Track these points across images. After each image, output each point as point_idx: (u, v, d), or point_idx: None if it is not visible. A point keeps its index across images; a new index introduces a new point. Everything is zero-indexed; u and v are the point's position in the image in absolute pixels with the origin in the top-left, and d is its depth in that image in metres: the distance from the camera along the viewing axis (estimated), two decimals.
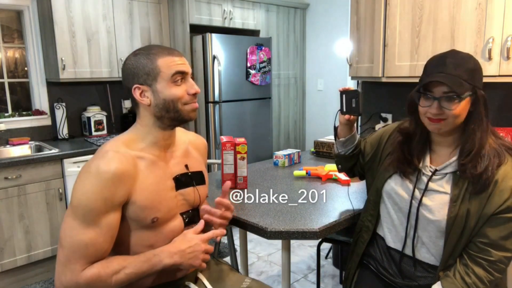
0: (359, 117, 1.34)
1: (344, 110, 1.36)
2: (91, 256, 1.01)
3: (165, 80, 1.10)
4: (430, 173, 1.20)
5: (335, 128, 1.45)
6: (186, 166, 1.23)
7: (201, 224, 1.18)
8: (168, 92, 1.10)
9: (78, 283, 1.00)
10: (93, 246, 1.01)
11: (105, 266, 1.02)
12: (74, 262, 1.00)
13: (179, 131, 1.29)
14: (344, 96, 1.35)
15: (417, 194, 1.22)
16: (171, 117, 1.12)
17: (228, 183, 1.28)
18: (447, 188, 1.17)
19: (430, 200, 1.19)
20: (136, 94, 1.11)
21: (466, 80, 1.10)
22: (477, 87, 1.11)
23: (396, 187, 1.27)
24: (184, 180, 1.21)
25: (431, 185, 1.20)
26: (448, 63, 1.13)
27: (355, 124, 1.41)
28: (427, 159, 1.23)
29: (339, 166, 1.52)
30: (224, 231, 1.21)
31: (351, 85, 3.11)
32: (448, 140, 1.19)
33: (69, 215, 1.02)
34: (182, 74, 1.12)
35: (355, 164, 1.47)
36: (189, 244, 1.10)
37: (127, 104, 3.49)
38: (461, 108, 1.11)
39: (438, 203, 1.17)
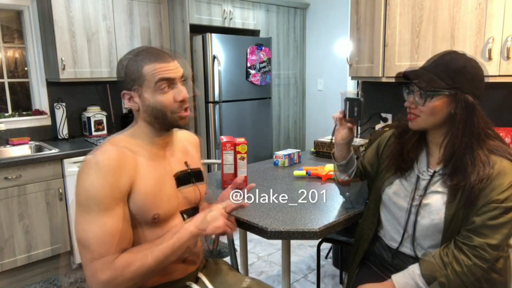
0: (359, 122, 1.38)
1: (347, 116, 1.38)
2: (119, 242, 1.00)
3: (150, 88, 1.08)
4: (429, 177, 1.21)
5: (332, 141, 1.42)
6: (186, 163, 1.23)
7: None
8: (154, 100, 1.08)
9: (116, 269, 0.97)
10: (118, 232, 1.00)
11: (135, 250, 1.02)
12: (106, 254, 0.98)
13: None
14: (348, 103, 1.37)
15: (416, 197, 1.22)
16: (161, 123, 1.12)
17: (252, 185, 1.31)
18: (444, 188, 1.17)
19: (428, 200, 1.20)
20: (125, 99, 1.12)
21: (444, 79, 1.09)
22: (458, 88, 1.09)
23: (395, 190, 1.28)
24: (185, 177, 1.21)
25: (429, 186, 1.21)
26: (432, 61, 1.14)
27: (354, 131, 1.40)
28: (425, 162, 1.23)
29: (347, 194, 1.46)
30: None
31: (351, 85, 3.11)
32: (440, 141, 1.19)
33: (81, 214, 1.00)
34: (168, 80, 1.09)
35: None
36: (206, 213, 1.12)
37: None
38: (434, 105, 1.11)
39: (436, 203, 1.18)
